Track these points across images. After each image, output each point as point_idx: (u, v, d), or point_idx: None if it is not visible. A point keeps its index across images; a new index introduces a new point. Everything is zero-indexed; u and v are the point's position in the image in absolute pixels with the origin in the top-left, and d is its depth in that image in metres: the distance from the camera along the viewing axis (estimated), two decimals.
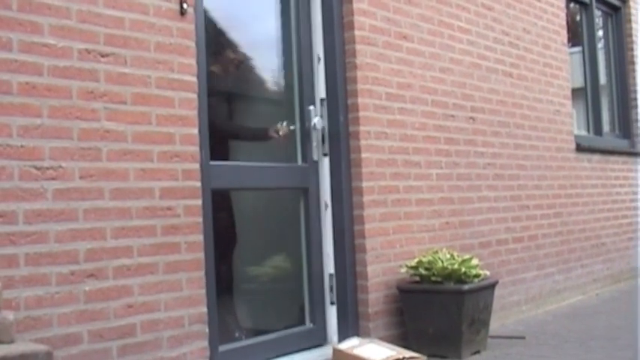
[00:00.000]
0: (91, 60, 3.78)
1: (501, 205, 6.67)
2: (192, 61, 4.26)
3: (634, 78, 9.78)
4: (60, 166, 3.62)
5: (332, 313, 5.20)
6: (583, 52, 9.15)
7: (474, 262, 5.30)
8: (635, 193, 9.41)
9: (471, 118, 6.40)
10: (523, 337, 5.84)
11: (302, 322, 5.48)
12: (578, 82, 9.08)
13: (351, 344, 4.41)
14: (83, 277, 3.67)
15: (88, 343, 3.66)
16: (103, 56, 3.83)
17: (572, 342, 5.67)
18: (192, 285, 4.14)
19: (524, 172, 7.10)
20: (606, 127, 9.51)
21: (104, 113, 3.81)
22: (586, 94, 9.13)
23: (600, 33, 9.73)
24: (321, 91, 5.28)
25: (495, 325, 5.86)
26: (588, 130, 9.07)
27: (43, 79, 3.59)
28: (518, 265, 6.82)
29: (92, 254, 3.71)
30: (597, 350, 5.35)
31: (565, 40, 8.14)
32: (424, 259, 5.23)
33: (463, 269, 5.16)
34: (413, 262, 5.27)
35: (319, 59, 5.28)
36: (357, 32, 5.31)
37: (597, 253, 8.36)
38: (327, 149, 5.26)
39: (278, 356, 4.93)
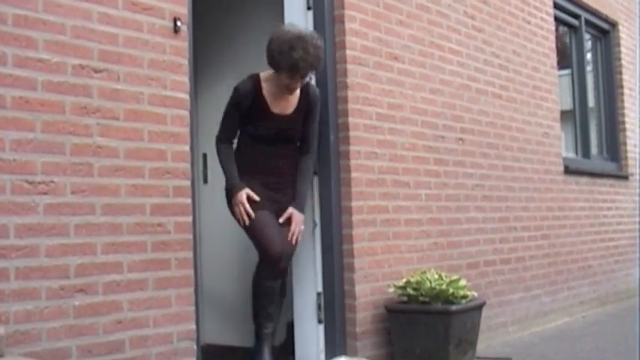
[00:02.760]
0: (85, 75, 3.80)
1: (489, 226, 6.69)
2: (185, 79, 4.28)
3: (622, 101, 9.86)
4: (52, 181, 3.64)
5: (319, 332, 5.20)
6: (572, 74, 9.22)
7: (462, 282, 5.31)
8: (622, 216, 9.46)
9: (460, 139, 6.44)
10: (510, 359, 5.86)
11: (289, 339, 5.50)
12: (567, 105, 9.14)
13: None
14: (73, 292, 3.68)
15: (76, 358, 3.66)
16: (96, 72, 3.85)
17: None
18: (182, 301, 4.15)
19: (512, 193, 7.13)
20: (594, 149, 9.57)
21: (97, 129, 3.83)
22: (574, 117, 9.18)
23: (589, 56, 9.80)
24: None
25: (482, 345, 5.87)
26: (576, 153, 9.12)
27: (36, 94, 3.61)
28: (505, 287, 6.84)
29: (82, 269, 3.72)
30: None
31: (554, 63, 8.20)
32: (412, 279, 5.25)
33: (451, 290, 5.17)
34: (401, 282, 5.28)
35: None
36: (348, 52, 5.34)
37: (584, 276, 8.39)
38: (316, 168, 5.27)
39: None
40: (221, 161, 4.96)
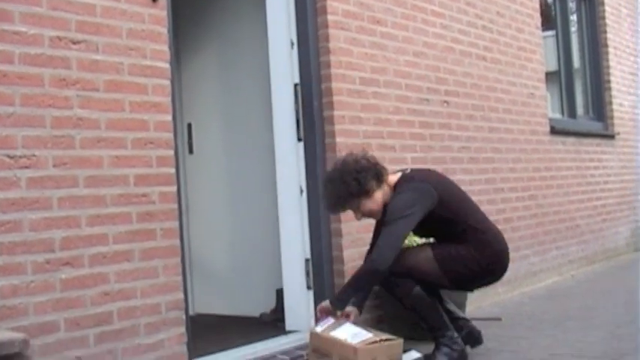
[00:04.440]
0: (63, 47, 3.77)
1: (476, 188, 6.69)
2: (165, 48, 4.24)
3: (607, 61, 9.84)
4: (33, 155, 3.61)
5: (309, 298, 5.21)
6: (557, 35, 9.19)
7: None
8: (609, 175, 9.49)
9: (445, 101, 6.42)
10: (499, 319, 5.89)
11: (278, 307, 5.51)
12: (552, 66, 9.13)
13: (327, 326, 4.40)
14: (59, 266, 3.67)
15: (64, 331, 3.66)
16: (74, 43, 3.81)
17: (548, 322, 5.72)
18: (169, 271, 4.14)
19: (498, 155, 7.13)
20: (580, 109, 9.57)
21: (77, 101, 3.80)
22: (560, 78, 9.18)
23: (574, 16, 9.77)
24: (295, 76, 5.28)
25: (472, 307, 5.90)
26: (562, 113, 9.12)
27: (14, 67, 3.57)
28: None
29: (67, 242, 3.71)
30: (573, 330, 5.40)
31: (538, 24, 8.17)
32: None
33: None
34: None
35: (293, 44, 5.28)
36: (330, 17, 5.30)
37: (572, 235, 8.42)
38: (301, 134, 5.26)
39: (253, 342, 4.95)
40: None
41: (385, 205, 4.58)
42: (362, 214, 4.61)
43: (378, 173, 4.56)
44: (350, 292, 4.48)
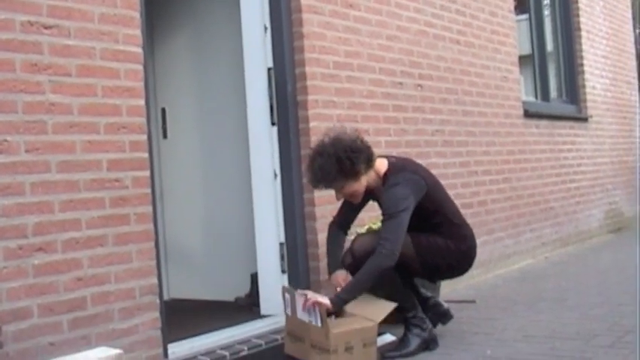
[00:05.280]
0: (34, 32, 3.74)
1: (450, 171, 6.72)
2: (137, 32, 4.22)
3: (580, 44, 9.88)
4: (5, 140, 3.59)
5: (284, 282, 5.22)
6: (530, 19, 9.21)
7: None
8: (582, 158, 9.55)
9: (419, 85, 6.44)
10: (474, 301, 5.93)
11: (253, 291, 5.52)
12: (526, 50, 9.16)
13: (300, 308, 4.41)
14: (32, 251, 3.65)
15: (38, 317, 3.65)
16: (46, 28, 3.79)
17: (522, 304, 5.77)
18: (143, 256, 4.14)
19: (472, 138, 7.16)
20: (554, 93, 9.62)
21: (49, 86, 3.78)
22: (533, 61, 9.20)
23: (547, 0, 9.80)
24: (268, 60, 5.27)
25: (447, 290, 5.93)
26: (536, 97, 9.16)
27: None
28: None
29: (40, 228, 3.69)
30: (546, 311, 5.45)
31: (512, 8, 8.19)
32: (374, 226, 5.25)
33: None
34: (363, 229, 5.29)
35: (266, 29, 5.27)
36: (303, 1, 5.29)
37: (546, 217, 8.47)
38: (275, 119, 5.26)
39: (229, 326, 4.96)
40: None
41: (368, 190, 4.60)
42: (343, 195, 4.60)
43: (369, 157, 4.55)
44: (358, 292, 4.41)
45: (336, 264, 4.74)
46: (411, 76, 6.34)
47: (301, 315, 4.32)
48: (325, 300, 4.26)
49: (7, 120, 3.61)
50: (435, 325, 4.77)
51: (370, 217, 5.20)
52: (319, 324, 4.18)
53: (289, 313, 4.45)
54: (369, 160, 4.55)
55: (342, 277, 4.64)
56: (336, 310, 4.34)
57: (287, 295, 4.48)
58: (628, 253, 8.24)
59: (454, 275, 4.92)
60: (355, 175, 4.49)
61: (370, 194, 4.68)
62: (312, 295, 4.31)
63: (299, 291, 4.43)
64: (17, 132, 3.64)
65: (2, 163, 3.58)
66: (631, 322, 4.92)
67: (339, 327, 4.23)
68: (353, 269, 4.55)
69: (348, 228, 4.89)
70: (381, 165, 4.63)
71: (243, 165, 5.55)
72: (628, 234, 10.06)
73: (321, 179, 4.50)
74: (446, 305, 4.91)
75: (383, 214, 4.50)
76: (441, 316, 4.87)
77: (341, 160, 4.42)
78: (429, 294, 4.93)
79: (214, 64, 6.16)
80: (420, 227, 4.58)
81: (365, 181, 4.55)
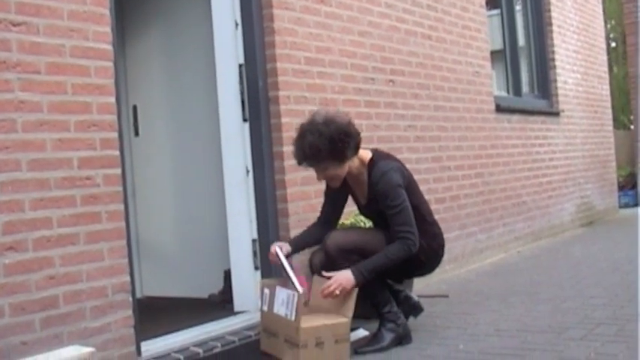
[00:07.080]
0: (3, 29, 3.71)
1: (423, 166, 6.74)
2: (107, 29, 4.20)
3: (552, 39, 9.94)
4: None
5: (257, 278, 5.22)
6: (501, 14, 9.24)
7: None
8: (554, 152, 9.61)
9: (391, 80, 6.45)
10: (446, 296, 5.96)
11: (226, 287, 5.51)
12: (497, 44, 9.20)
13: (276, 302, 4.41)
14: (2, 250, 3.62)
15: (9, 316, 3.62)
16: (14, 25, 3.76)
17: (494, 298, 5.80)
18: (114, 254, 4.12)
19: (445, 133, 7.19)
20: (525, 87, 9.67)
21: (18, 84, 3.75)
22: (505, 56, 9.25)
23: None
24: (239, 56, 5.26)
25: (420, 285, 5.94)
26: (508, 91, 9.20)
27: None
28: (441, 226, 6.87)
29: (10, 227, 3.67)
30: (518, 305, 5.48)
31: (483, 3, 8.23)
32: (346, 222, 5.27)
33: None
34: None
35: (237, 25, 5.26)
36: None
37: (518, 212, 8.52)
38: (246, 115, 5.25)
39: (202, 323, 4.95)
40: None
41: (347, 177, 4.62)
42: (324, 176, 4.59)
43: (357, 145, 4.57)
44: (379, 271, 4.47)
45: (295, 240, 4.79)
46: (382, 72, 6.35)
47: (278, 308, 4.31)
48: (350, 283, 4.35)
49: None
50: (406, 318, 4.78)
51: (343, 213, 5.20)
52: (293, 318, 4.18)
53: (265, 309, 4.45)
54: (356, 148, 4.58)
55: (280, 245, 4.64)
56: (359, 285, 4.38)
57: (266, 290, 4.48)
58: (600, 246, 8.31)
59: (423, 273, 4.93)
60: (342, 158, 4.50)
61: (345, 185, 4.69)
62: (335, 280, 4.37)
63: (324, 273, 4.48)
64: None
65: None
66: (602, 314, 4.96)
67: (309, 322, 4.22)
68: (326, 263, 4.57)
69: (330, 225, 4.87)
70: (365, 153, 4.66)
71: (216, 162, 5.54)
72: (599, 228, 10.15)
73: (309, 156, 4.47)
74: (416, 298, 4.93)
75: (389, 206, 4.51)
76: (412, 308, 4.89)
77: (334, 141, 4.42)
78: (400, 287, 4.94)
79: (186, 61, 6.14)
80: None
81: (347, 167, 4.57)
